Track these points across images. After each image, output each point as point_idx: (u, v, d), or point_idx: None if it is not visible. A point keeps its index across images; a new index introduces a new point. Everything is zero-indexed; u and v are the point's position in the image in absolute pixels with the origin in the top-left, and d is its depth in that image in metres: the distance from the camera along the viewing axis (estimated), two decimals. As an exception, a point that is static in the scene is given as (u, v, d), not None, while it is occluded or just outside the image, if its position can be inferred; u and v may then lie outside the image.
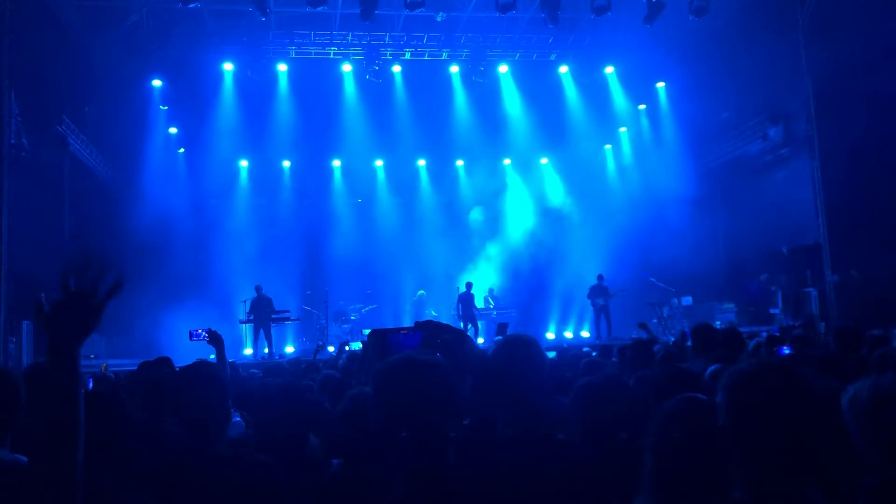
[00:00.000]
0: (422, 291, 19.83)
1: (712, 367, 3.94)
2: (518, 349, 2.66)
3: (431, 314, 19.35)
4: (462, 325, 16.96)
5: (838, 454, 2.17)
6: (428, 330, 2.63)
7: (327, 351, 13.60)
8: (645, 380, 3.65)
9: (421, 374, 2.01)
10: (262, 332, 15.43)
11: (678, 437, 2.05)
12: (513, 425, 2.51)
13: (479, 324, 17.47)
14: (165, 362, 5.07)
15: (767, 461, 1.79)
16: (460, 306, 17.19)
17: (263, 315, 15.38)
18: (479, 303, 17.90)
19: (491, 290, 19.70)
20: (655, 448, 2.08)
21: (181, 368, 3.07)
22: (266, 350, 15.31)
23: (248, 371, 8.54)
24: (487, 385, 2.66)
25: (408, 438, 1.93)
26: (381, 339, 2.74)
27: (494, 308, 19.06)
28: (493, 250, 20.28)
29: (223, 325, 11.21)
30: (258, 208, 19.76)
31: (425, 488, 1.95)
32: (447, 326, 2.64)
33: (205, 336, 5.06)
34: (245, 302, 15.82)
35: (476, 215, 20.75)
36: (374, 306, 19.50)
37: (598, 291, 17.10)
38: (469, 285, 17.45)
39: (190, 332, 5.36)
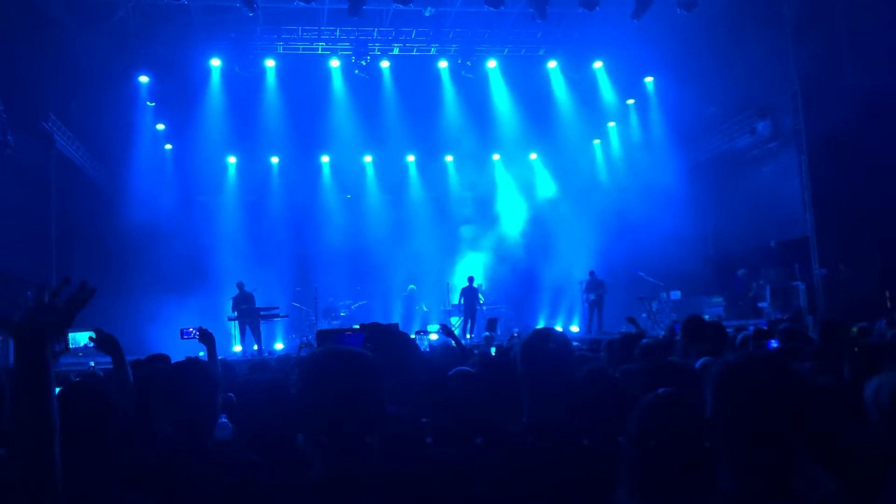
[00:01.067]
0: (412, 286, 19.86)
1: (701, 361, 3.96)
2: (546, 345, 2.68)
3: (423, 309, 19.39)
4: (463, 319, 17.19)
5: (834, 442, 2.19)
6: (371, 331, 2.70)
7: (315, 348, 13.59)
8: (631, 373, 3.66)
9: (341, 362, 2.05)
10: (248, 328, 15.40)
11: (659, 429, 2.06)
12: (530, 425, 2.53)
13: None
14: (162, 359, 5.06)
15: (754, 452, 1.80)
16: (463, 299, 17.53)
17: (248, 311, 15.36)
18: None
19: (480, 286, 19.71)
20: (636, 441, 2.09)
21: (173, 365, 3.06)
22: (255, 347, 15.29)
23: (239, 368, 8.51)
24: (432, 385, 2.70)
25: (328, 424, 1.97)
26: (327, 340, 2.80)
27: (484, 303, 19.10)
28: (482, 245, 20.29)
29: (213, 323, 11.18)
30: (247, 205, 19.70)
31: (345, 473, 1.98)
32: (391, 328, 2.70)
33: (196, 334, 5.07)
34: (231, 299, 15.76)
35: (467, 232, 20.65)
36: (364, 302, 19.50)
37: (591, 286, 17.27)
38: (471, 279, 17.73)
39: (181, 330, 5.38)
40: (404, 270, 19.44)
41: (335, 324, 18.27)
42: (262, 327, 15.68)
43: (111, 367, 3.81)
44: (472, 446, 2.61)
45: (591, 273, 17.43)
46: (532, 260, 19.47)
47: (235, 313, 15.46)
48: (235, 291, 15.68)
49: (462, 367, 3.63)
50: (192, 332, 5.22)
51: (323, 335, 2.73)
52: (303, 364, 2.09)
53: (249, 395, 3.25)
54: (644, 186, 18.27)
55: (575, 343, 8.21)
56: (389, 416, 2.23)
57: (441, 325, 6.91)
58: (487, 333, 13.76)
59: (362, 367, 2.05)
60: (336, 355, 2.07)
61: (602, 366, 3.60)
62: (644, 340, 5.32)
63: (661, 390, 2.22)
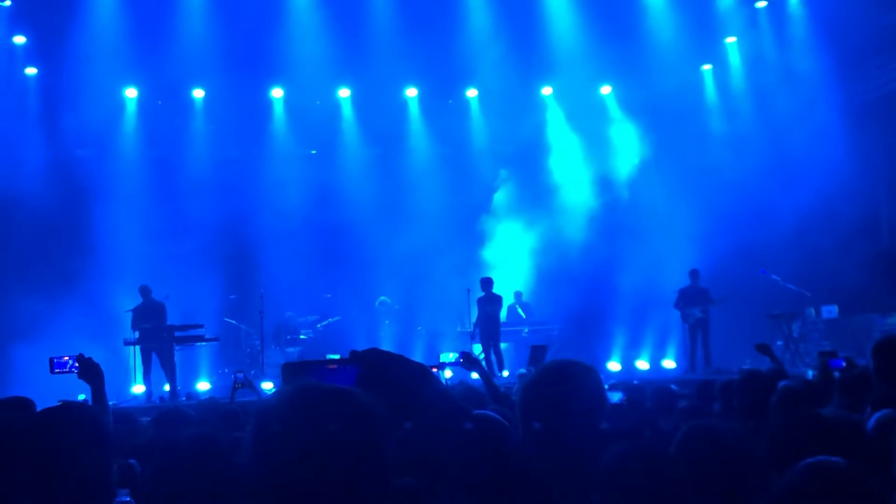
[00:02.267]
0: (383, 297, 20.02)
1: (876, 416, 3.94)
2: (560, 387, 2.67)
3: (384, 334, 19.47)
4: (482, 349, 16.90)
5: None
6: (370, 363, 2.65)
7: (260, 389, 13.62)
8: (763, 433, 3.65)
9: (326, 408, 1.97)
10: (156, 358, 15.45)
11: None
12: None
13: (502, 346, 17.44)
14: (20, 406, 5.08)
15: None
16: (478, 316, 17.30)
17: (155, 332, 15.39)
18: (504, 314, 17.88)
19: (519, 296, 19.69)
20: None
21: (38, 414, 3.05)
22: (166, 387, 15.34)
23: (141, 420, 8.56)
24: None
25: None
26: (297, 378, 2.76)
27: (526, 322, 19.04)
28: (524, 233, 20.26)
29: (102, 349, 11.21)
30: (155, 163, 19.75)
31: None
32: (399, 358, 2.67)
33: (74, 366, 5.08)
34: (129, 312, 15.78)
35: (503, 181, 20.68)
36: (338, 318, 19.59)
37: (693, 297, 17.14)
38: (488, 283, 17.43)
39: (51, 359, 5.39)
40: (400, 267, 19.42)
41: (291, 352, 18.29)
42: (178, 356, 15.75)
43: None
44: None
45: (694, 275, 17.32)
46: (602, 254, 19.38)
47: (137, 334, 15.51)
48: (137, 300, 15.74)
49: (484, 412, 3.63)
50: (67, 362, 5.23)
51: (292, 370, 2.68)
52: (263, 411, 2.02)
53: (161, 464, 3.25)
54: (780, 139, 18.13)
55: (673, 387, 8.23)
56: (398, 493, 2.20)
57: (462, 353, 6.92)
58: (524, 370, 13.69)
59: (360, 417, 1.98)
60: (319, 398, 1.98)
61: (709, 423, 3.59)
62: (783, 383, 5.30)
63: (813, 460, 2.21)
